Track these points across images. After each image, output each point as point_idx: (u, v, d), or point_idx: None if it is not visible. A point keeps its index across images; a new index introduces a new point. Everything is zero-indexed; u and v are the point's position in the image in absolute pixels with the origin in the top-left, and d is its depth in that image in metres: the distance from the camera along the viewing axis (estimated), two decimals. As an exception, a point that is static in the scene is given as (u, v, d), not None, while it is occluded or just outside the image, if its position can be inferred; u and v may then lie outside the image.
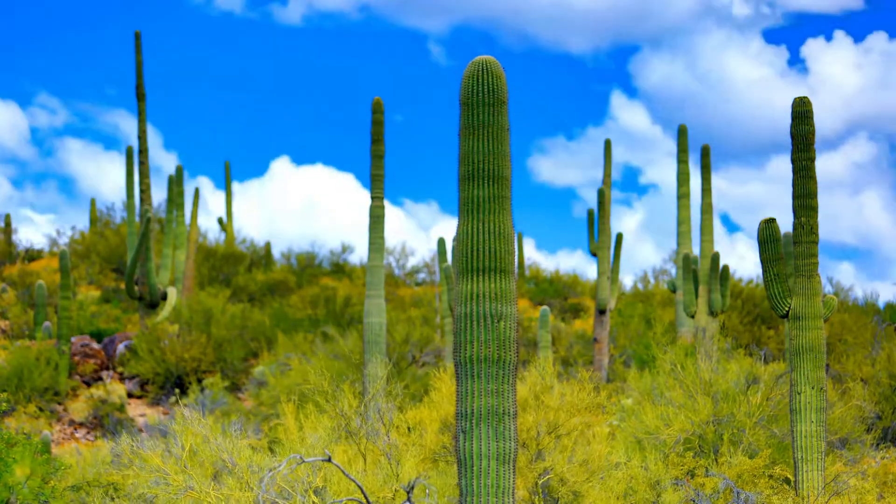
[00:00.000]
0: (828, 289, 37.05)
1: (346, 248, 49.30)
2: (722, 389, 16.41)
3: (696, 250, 30.74)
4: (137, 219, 34.37)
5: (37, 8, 66.71)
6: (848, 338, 28.62)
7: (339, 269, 48.38)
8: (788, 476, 14.10)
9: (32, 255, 45.89)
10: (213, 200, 70.08)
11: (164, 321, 32.94)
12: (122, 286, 38.86)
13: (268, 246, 48.45)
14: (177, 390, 30.69)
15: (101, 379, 31.28)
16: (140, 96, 34.44)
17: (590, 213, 31.92)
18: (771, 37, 65.38)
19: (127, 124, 71.52)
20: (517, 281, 39.40)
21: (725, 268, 28.22)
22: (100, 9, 66.88)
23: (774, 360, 19.29)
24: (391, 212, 64.94)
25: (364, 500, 11.89)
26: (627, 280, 52.85)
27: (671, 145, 32.31)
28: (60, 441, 27.04)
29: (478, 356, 9.97)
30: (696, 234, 30.61)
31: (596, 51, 66.88)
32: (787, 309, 13.93)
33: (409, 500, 11.80)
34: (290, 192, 64.96)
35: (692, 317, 28.95)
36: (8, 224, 46.46)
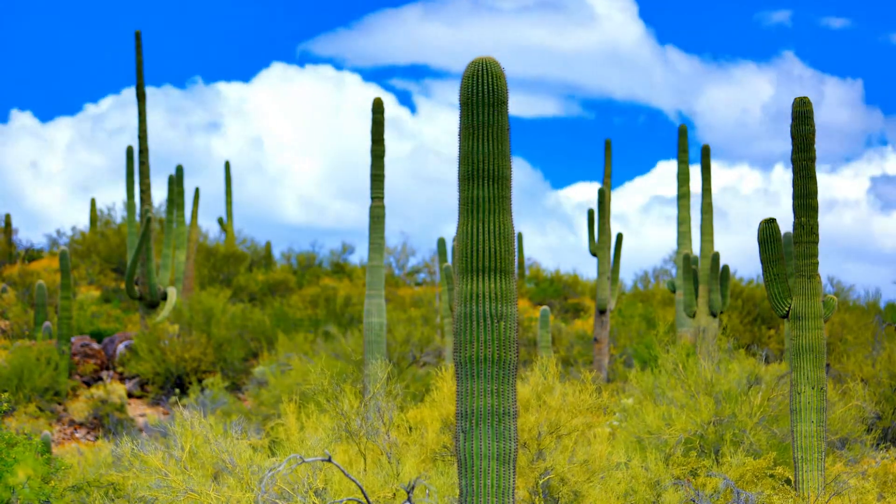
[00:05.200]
0: (828, 289, 37.04)
1: (346, 248, 49.33)
2: (724, 389, 16.40)
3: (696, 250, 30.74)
4: (138, 219, 34.35)
5: (36, 8, 66.70)
6: (848, 338, 28.59)
7: (340, 269, 48.36)
8: (789, 476, 14.10)
9: (32, 255, 45.87)
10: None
11: (164, 321, 32.93)
12: (122, 286, 38.83)
13: (268, 246, 48.46)
14: (177, 390, 30.71)
15: (101, 379, 31.28)
16: (140, 96, 34.42)
17: (590, 213, 31.88)
18: None
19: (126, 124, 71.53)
20: (517, 281, 39.34)
21: (725, 268, 28.22)
22: (100, 8, 66.85)
23: (774, 361, 19.30)
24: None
25: (364, 500, 11.88)
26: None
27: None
28: (60, 441, 27.04)
29: (478, 356, 9.97)
30: (696, 234, 30.59)
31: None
32: (787, 309, 13.92)
33: (409, 499, 11.79)
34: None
35: (692, 317, 28.94)
36: (8, 224, 46.43)
